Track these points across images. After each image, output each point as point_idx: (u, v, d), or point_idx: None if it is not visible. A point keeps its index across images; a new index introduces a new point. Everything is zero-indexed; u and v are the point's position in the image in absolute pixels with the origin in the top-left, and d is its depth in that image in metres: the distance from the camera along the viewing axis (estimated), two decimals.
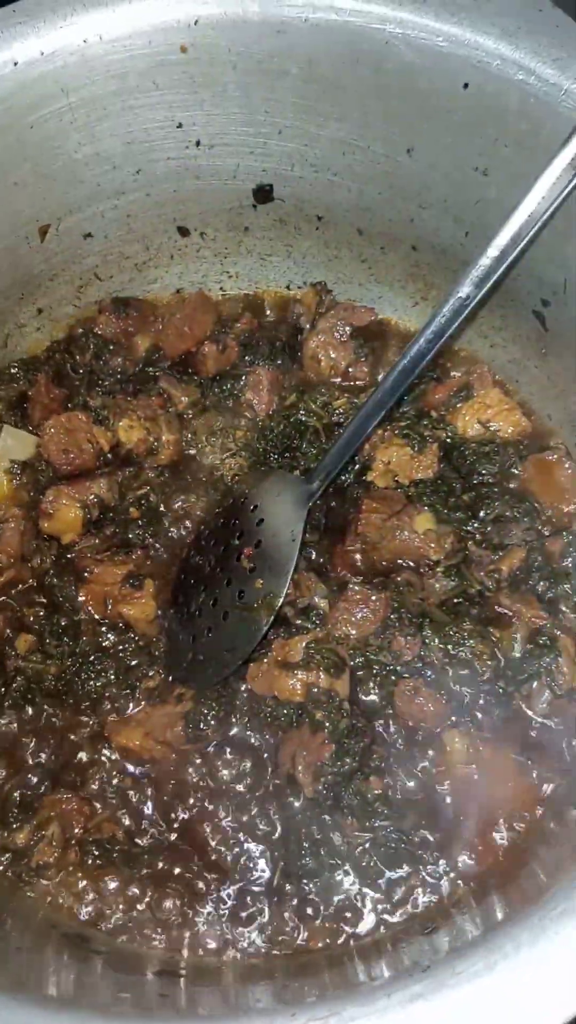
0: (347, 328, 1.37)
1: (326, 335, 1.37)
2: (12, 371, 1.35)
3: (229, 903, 1.07)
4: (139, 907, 1.08)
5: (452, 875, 1.05)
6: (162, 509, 1.28)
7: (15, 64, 1.05)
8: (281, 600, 1.12)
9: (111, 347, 1.38)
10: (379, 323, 1.41)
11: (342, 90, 1.12)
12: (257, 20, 1.06)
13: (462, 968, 0.64)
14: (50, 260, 1.30)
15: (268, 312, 1.46)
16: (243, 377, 1.36)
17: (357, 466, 1.27)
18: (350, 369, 1.37)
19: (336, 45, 1.07)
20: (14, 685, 1.17)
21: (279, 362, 1.38)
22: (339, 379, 1.38)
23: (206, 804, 1.12)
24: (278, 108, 1.17)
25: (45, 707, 1.17)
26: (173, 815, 1.12)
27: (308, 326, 1.40)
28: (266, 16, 1.06)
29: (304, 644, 1.14)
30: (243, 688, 1.16)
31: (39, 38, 1.05)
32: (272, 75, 1.12)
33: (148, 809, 1.13)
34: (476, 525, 1.23)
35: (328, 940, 1.04)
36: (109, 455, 1.29)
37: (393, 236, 1.30)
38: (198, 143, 1.22)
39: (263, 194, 1.30)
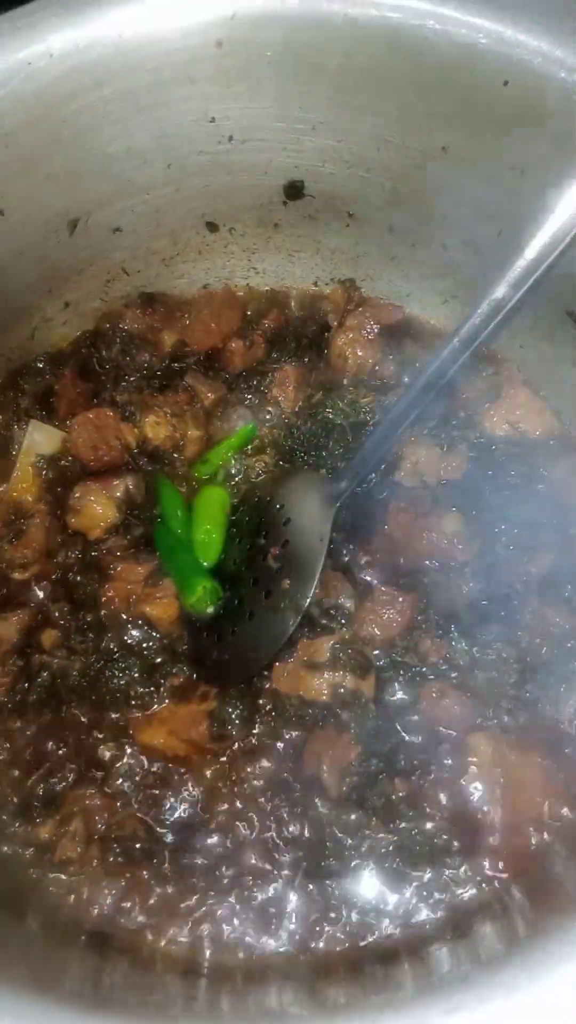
0: (375, 326, 1.36)
1: (354, 332, 1.36)
2: (39, 365, 1.35)
3: (252, 903, 1.07)
4: (161, 905, 1.08)
5: (477, 879, 1.05)
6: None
7: (51, 56, 1.04)
8: (308, 601, 1.11)
9: (137, 342, 1.37)
10: (407, 321, 1.40)
11: (378, 86, 1.11)
12: (295, 15, 1.05)
13: (502, 979, 0.64)
14: (78, 254, 1.30)
15: (294, 308, 1.45)
16: (269, 374, 1.36)
17: (384, 465, 1.26)
18: (377, 367, 1.37)
19: (374, 40, 1.05)
20: (39, 680, 1.16)
21: (306, 359, 1.37)
22: (366, 377, 1.37)
23: (229, 803, 1.12)
24: (313, 103, 1.16)
25: (70, 703, 1.16)
26: (196, 813, 1.12)
27: (335, 323, 1.39)
28: (304, 11, 1.05)
29: (330, 644, 1.14)
30: (268, 687, 1.15)
31: (76, 29, 1.04)
32: (308, 70, 1.11)
33: (171, 807, 1.12)
34: (504, 527, 1.22)
35: (350, 942, 1.04)
36: (136, 451, 1.29)
37: (424, 233, 1.29)
38: (230, 138, 1.21)
39: (294, 190, 1.29)
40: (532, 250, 0.97)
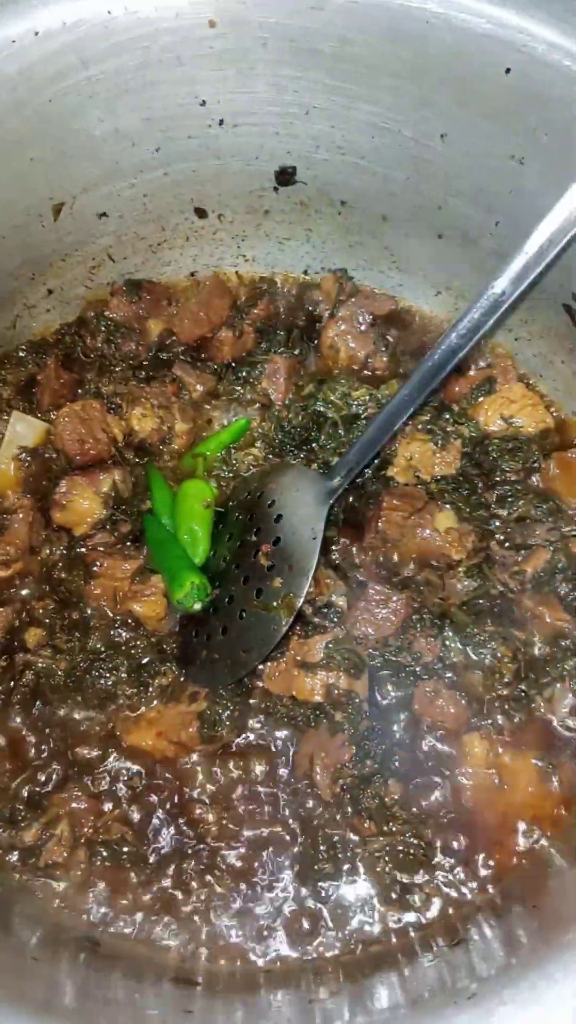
0: (367, 317, 1.33)
1: (346, 323, 1.34)
2: (21, 354, 1.31)
3: (243, 906, 1.05)
4: (150, 910, 1.06)
5: (472, 883, 1.04)
6: None
7: (36, 34, 1.00)
8: (302, 601, 1.09)
9: (123, 331, 1.33)
10: (400, 312, 1.37)
11: (376, 71, 1.08)
12: None
13: (509, 997, 0.62)
14: (63, 239, 1.25)
15: (284, 298, 1.41)
16: (259, 365, 1.32)
17: (377, 461, 1.23)
18: (369, 359, 1.34)
19: (374, 24, 1.02)
20: (23, 680, 1.13)
21: (296, 351, 1.34)
22: (358, 369, 1.34)
23: (220, 805, 1.10)
24: (307, 88, 1.12)
25: (55, 703, 1.13)
26: (185, 816, 1.10)
27: (327, 314, 1.36)
28: None
29: (323, 644, 1.12)
30: (259, 687, 1.13)
31: (62, 7, 1.00)
32: (303, 53, 1.08)
33: (159, 810, 1.10)
34: (498, 524, 1.21)
35: (341, 947, 1.02)
36: (122, 444, 1.25)
37: (419, 223, 1.26)
38: (221, 122, 1.17)
39: (286, 176, 1.26)
40: (533, 244, 0.94)
